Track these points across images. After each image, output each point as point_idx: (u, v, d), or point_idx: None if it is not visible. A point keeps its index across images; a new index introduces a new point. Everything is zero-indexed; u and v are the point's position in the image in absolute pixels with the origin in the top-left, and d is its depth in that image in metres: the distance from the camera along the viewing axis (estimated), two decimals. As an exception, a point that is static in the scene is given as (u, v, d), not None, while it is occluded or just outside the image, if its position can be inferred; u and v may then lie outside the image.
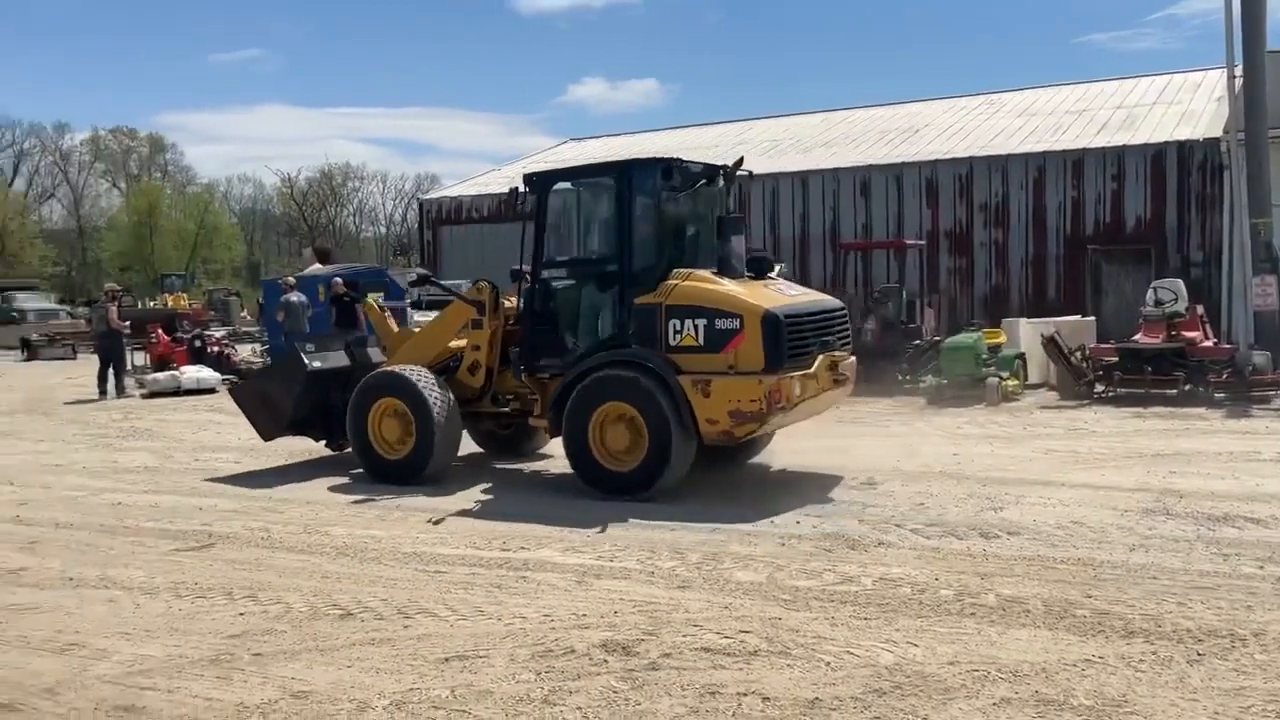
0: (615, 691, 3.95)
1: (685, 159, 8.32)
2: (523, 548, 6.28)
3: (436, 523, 7.03)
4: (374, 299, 10.65)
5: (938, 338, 14.90)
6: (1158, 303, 13.75)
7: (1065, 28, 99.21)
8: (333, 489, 8.37)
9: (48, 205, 73.56)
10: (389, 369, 8.91)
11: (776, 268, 8.86)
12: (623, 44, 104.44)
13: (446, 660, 4.34)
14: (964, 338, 13.54)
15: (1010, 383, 13.11)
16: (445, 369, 8.93)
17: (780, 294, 8.03)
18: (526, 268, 8.35)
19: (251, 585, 5.57)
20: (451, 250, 26.46)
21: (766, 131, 26.89)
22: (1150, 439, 9.78)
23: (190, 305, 35.28)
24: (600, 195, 8.53)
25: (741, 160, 8.74)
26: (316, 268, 22.35)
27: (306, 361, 9.36)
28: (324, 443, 9.85)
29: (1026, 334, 14.38)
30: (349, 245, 71.51)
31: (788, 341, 7.47)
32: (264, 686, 4.11)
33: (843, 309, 8.66)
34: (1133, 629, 4.50)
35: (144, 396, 16.54)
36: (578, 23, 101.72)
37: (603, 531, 6.65)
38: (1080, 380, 12.82)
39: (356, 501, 7.84)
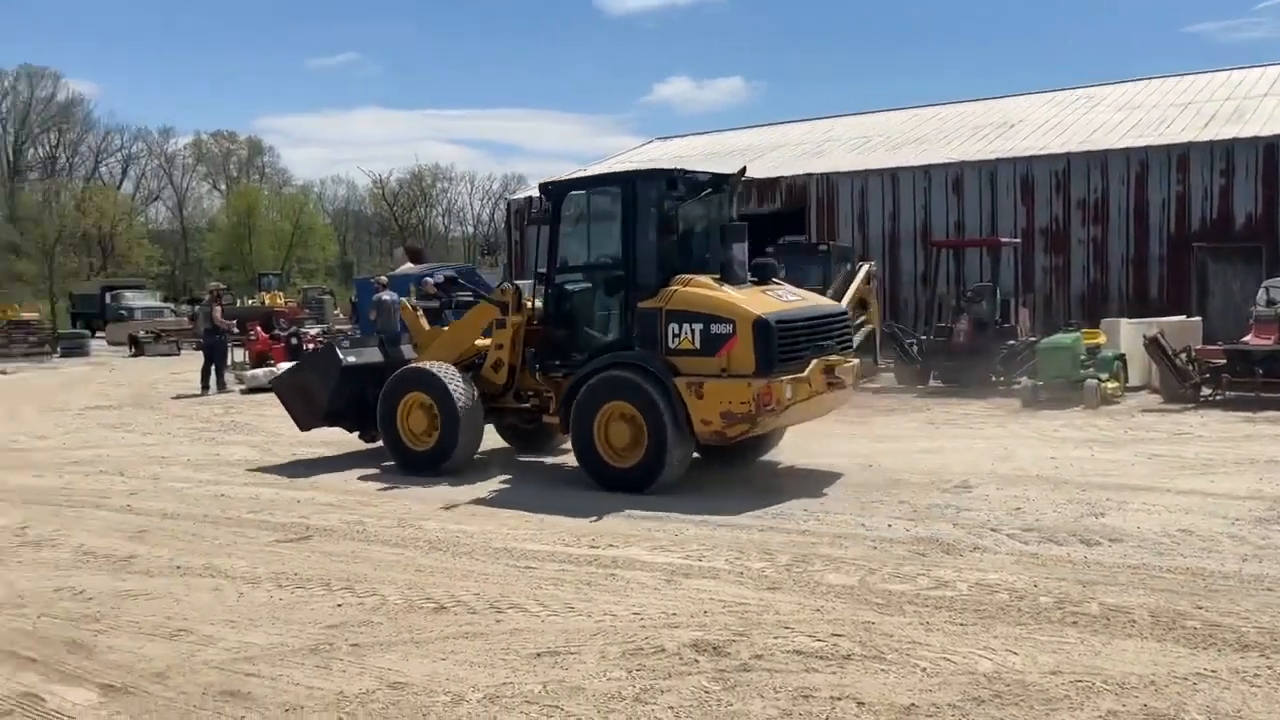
0: (707, 692, 3.93)
1: (690, 169, 8.72)
2: (611, 545, 6.29)
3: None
4: (407, 300, 11.11)
5: (1033, 338, 14.52)
6: (1270, 302, 13.17)
7: (1174, 17, 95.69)
8: (425, 485, 8.50)
9: (153, 207, 76.47)
10: (417, 365, 9.28)
11: (781, 273, 9.24)
12: (708, 42, 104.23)
13: (538, 655, 4.37)
14: (1062, 338, 13.15)
15: (1110, 385, 12.69)
16: (470, 366, 9.27)
17: (777, 299, 8.19)
18: (543, 271, 8.76)
19: (348, 577, 5.70)
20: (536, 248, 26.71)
21: (854, 128, 26.53)
22: (1263, 444, 9.36)
23: (285, 304, 36.35)
24: (609, 204, 8.72)
25: (744, 170, 9.10)
26: (408, 267, 22.84)
27: (341, 357, 9.85)
28: (356, 434, 10.31)
29: (1127, 335, 13.91)
30: (438, 245, 72.75)
31: (778, 346, 7.65)
32: (361, 677, 4.20)
33: (842, 313, 8.95)
34: (1247, 642, 4.31)
35: (243, 392, 17.07)
36: (664, 22, 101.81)
37: (689, 531, 6.63)
38: (1185, 383, 12.35)
39: (448, 498, 7.96)
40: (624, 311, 8.31)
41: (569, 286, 8.78)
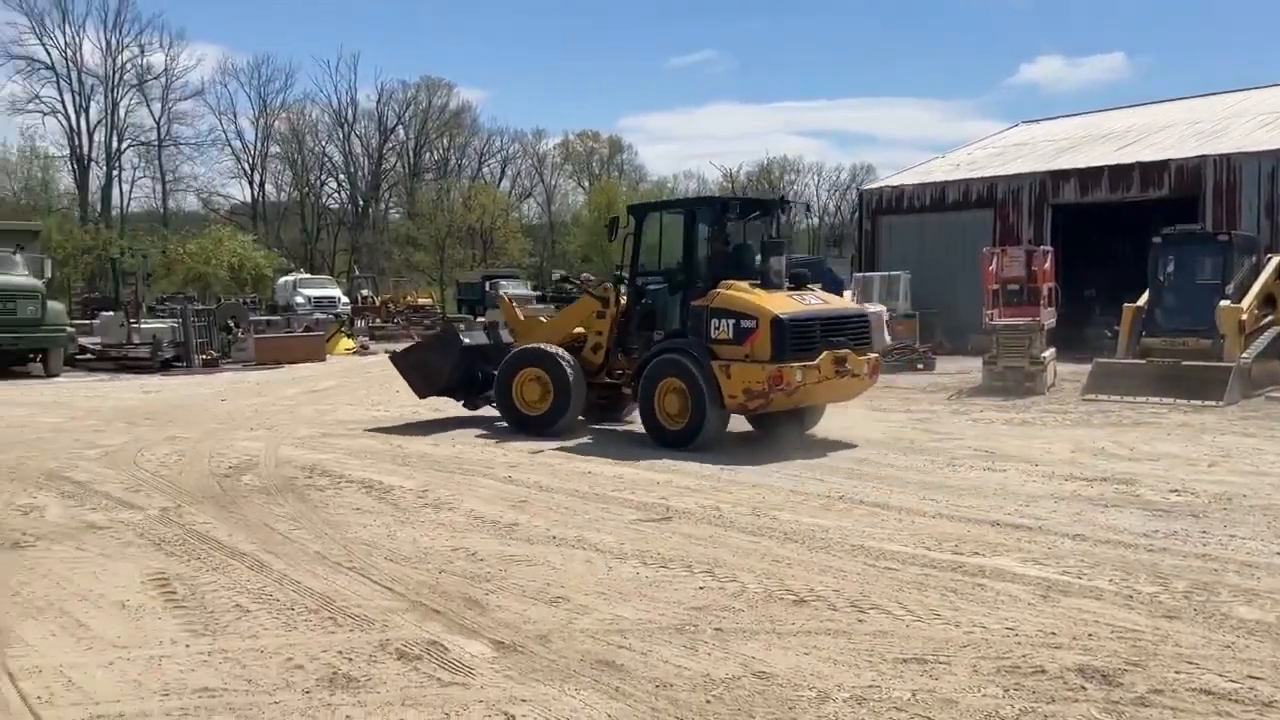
0: (1098, 724, 3.58)
1: (741, 197, 11.96)
2: (976, 553, 5.96)
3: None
4: (504, 292, 13.51)
5: None
6: None
7: None
8: (779, 474, 8.53)
9: (526, 203, 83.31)
10: (535, 345, 11.12)
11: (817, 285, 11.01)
12: (1086, 16, 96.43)
13: (905, 661, 4.21)
14: None
15: None
16: (571, 349, 11.09)
17: (799, 302, 10.04)
18: (625, 273, 11.07)
19: (708, 561, 5.82)
20: (890, 240, 26.06)
21: (1264, 102, 23.36)
22: None
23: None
24: (677, 223, 10.91)
25: (784, 197, 12.09)
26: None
27: (462, 338, 12.12)
28: (462, 403, 12.25)
29: None
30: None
31: (790, 339, 9.48)
32: (726, 661, 4.25)
33: (861, 316, 10.86)
34: None
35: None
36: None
37: (1066, 545, 6.12)
38: None
39: (800, 490, 7.94)
40: (682, 308, 10.32)
41: (646, 286, 10.89)
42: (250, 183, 71.78)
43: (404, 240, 69.39)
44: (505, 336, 12.39)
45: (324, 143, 74.26)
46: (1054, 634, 4.52)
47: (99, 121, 64.10)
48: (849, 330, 10.16)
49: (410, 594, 5.24)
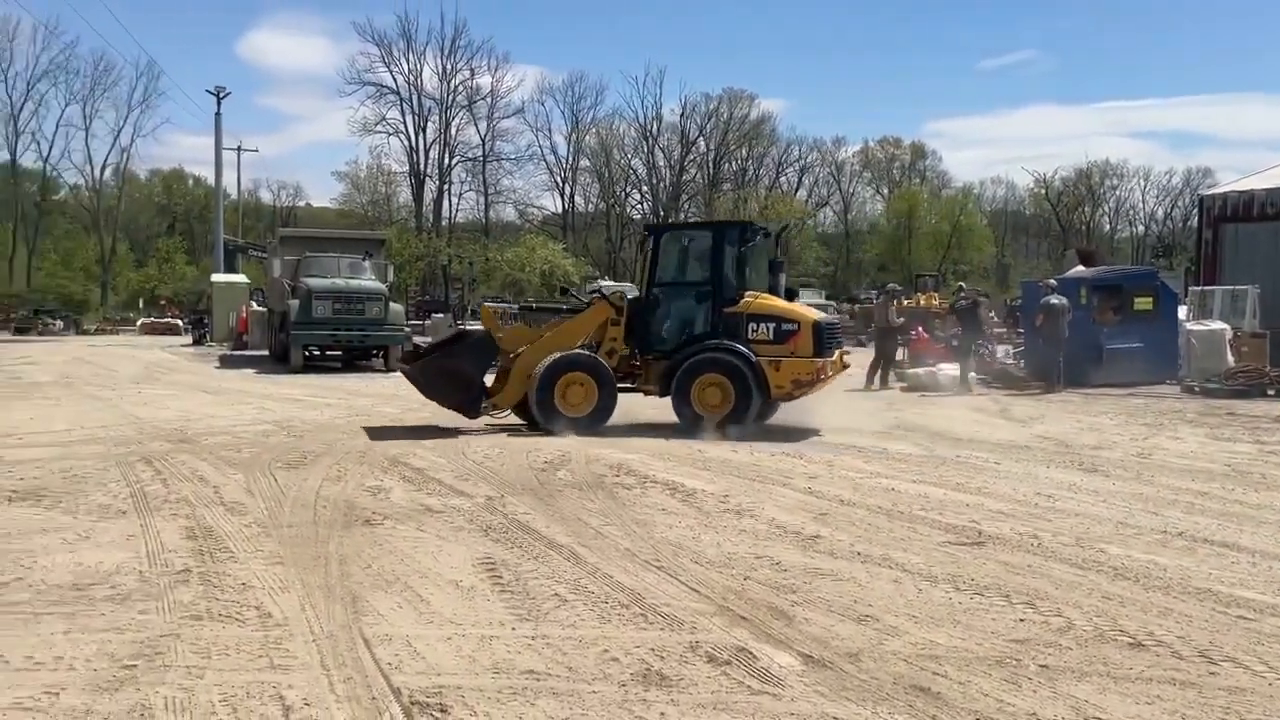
0: None
1: (755, 222, 14.49)
2: (1354, 609, 5.18)
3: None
4: (489, 305, 13.67)
5: None
6: None
7: None
8: (1105, 505, 7.87)
9: (823, 212, 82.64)
10: (575, 353, 11.89)
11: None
12: None
13: (1270, 726, 3.73)
14: None
15: None
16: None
17: (813, 310, 12.73)
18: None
19: (1028, 592, 5.46)
20: (1235, 250, 23.39)
21: None
22: None
23: (940, 305, 36.72)
24: (703, 242, 12.66)
25: (787, 225, 14.94)
26: (1079, 269, 21.52)
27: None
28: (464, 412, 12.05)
29: None
30: (1102, 246, 67.95)
31: (825, 339, 11.83)
32: (1054, 702, 3.95)
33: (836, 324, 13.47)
34: None
35: (903, 390, 17.59)
36: None
37: None
38: None
39: (1127, 520, 7.27)
40: (710, 314, 11.95)
41: (670, 296, 12.39)
42: (561, 195, 76.33)
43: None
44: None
45: (629, 156, 77.55)
46: None
47: (434, 140, 70.56)
48: (838, 336, 13.10)
49: (716, 598, 5.30)
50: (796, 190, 79.94)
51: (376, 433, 11.62)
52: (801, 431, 12.04)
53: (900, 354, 20.76)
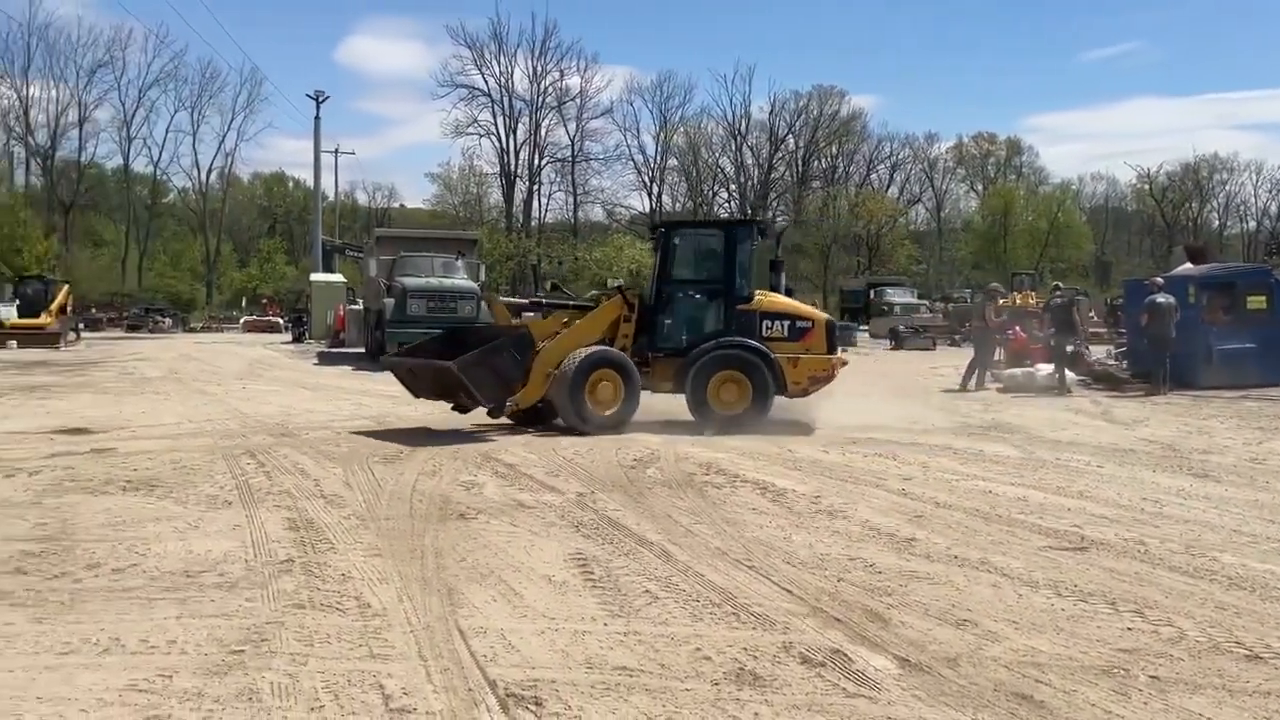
0: None
1: (762, 220, 14.97)
2: None
3: None
4: (502, 300, 14.10)
5: None
6: None
7: None
8: (1216, 511, 7.56)
9: (914, 209, 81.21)
10: (604, 349, 11.69)
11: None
12: None
13: (1402, 747, 3.52)
14: None
15: None
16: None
17: (817, 309, 14.54)
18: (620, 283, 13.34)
19: (1135, 600, 5.26)
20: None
21: None
22: None
23: (1036, 304, 35.77)
24: (715, 240, 12.76)
25: (786, 227, 15.46)
26: (1187, 267, 20.71)
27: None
28: (489, 410, 11.58)
29: None
30: (1211, 242, 65.46)
31: (835, 337, 12.44)
32: (1165, 715, 3.80)
33: None
34: None
35: (999, 391, 17.17)
36: None
37: None
38: None
39: (1241, 528, 6.97)
40: (724, 312, 12.01)
41: (682, 293, 12.29)
42: (649, 194, 76.57)
43: (789, 248, 70.38)
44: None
45: (717, 154, 77.39)
46: None
47: (524, 141, 71.53)
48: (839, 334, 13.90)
49: (810, 599, 5.24)
50: (888, 187, 78.77)
51: (468, 429, 11.81)
52: (893, 430, 11.84)
53: (997, 354, 20.28)
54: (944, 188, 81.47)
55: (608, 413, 11.57)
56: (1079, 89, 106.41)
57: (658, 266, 12.61)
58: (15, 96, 64.12)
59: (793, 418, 12.49)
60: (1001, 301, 24.08)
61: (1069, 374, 17.08)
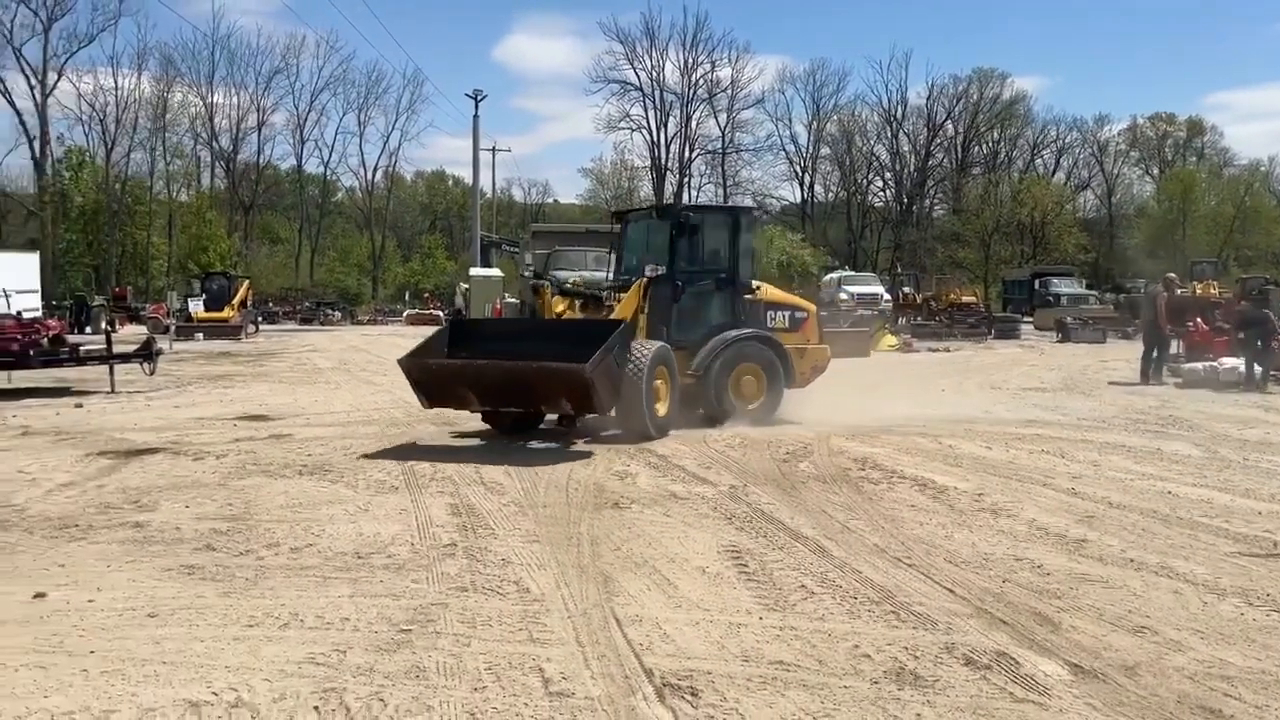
0: None
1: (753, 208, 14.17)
2: None
3: None
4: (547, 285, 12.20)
5: None
6: None
7: None
8: None
9: (1083, 195, 77.34)
10: (663, 345, 10.59)
11: None
12: None
13: None
14: None
15: None
16: None
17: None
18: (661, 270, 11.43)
19: (1338, 612, 4.86)
20: None
21: None
22: None
23: (1222, 295, 33.47)
24: (719, 225, 12.00)
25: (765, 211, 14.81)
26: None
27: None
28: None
29: None
30: None
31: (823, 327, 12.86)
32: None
33: None
34: None
35: (1177, 386, 16.18)
36: None
37: None
38: None
39: None
40: (731, 302, 11.58)
41: (687, 283, 11.46)
42: (800, 184, 75.64)
43: (948, 237, 68.23)
44: None
45: (872, 142, 75.72)
46: None
47: (675, 134, 71.81)
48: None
49: (973, 599, 5.06)
50: (1053, 173, 75.37)
51: (614, 422, 11.91)
52: (1062, 426, 11.30)
53: (1175, 347, 19.07)
54: (1115, 172, 77.26)
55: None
56: (1270, 62, 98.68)
57: (669, 255, 11.49)
58: (201, 104, 68.54)
59: (949, 411, 12.10)
60: (1179, 292, 22.67)
61: (1257, 369, 15.89)
